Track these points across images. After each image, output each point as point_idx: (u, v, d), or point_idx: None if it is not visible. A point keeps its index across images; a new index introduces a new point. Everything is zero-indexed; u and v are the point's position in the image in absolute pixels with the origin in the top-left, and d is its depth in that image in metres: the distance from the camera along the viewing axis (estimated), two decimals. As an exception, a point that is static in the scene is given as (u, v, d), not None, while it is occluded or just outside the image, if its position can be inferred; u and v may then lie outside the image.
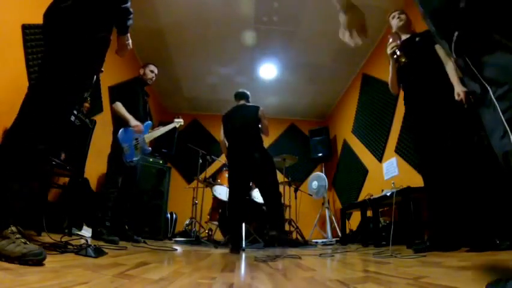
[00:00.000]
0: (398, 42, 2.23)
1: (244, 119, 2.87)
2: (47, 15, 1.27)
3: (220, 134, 2.93)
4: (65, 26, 1.23)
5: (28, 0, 2.27)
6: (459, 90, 1.90)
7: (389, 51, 2.21)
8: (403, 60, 2.15)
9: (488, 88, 0.63)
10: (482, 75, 0.64)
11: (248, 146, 2.73)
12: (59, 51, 1.22)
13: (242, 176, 2.70)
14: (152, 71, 3.01)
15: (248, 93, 3.17)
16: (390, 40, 2.22)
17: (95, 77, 1.39)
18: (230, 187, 2.77)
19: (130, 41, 1.59)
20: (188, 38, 4.20)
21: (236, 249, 2.45)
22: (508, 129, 0.59)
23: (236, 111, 2.97)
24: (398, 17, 2.35)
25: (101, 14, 1.31)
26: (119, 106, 2.66)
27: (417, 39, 2.23)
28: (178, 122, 3.46)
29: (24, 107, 1.17)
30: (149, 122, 2.83)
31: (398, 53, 2.15)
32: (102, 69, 1.48)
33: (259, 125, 2.90)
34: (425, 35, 2.18)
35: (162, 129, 3.16)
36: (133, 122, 2.72)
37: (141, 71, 2.99)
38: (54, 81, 1.19)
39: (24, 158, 1.08)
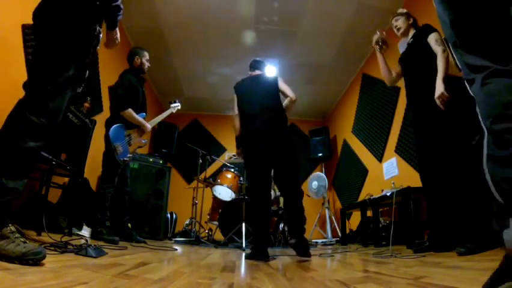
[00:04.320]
0: (384, 33, 2.44)
1: (265, 90, 2.31)
2: (35, 13, 1.26)
3: (234, 108, 2.38)
4: (53, 18, 1.22)
5: (28, 0, 2.27)
6: (438, 91, 1.84)
7: (373, 42, 2.45)
8: (384, 47, 2.43)
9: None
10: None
11: (271, 121, 2.17)
12: (49, 44, 1.20)
13: (263, 158, 2.09)
14: (148, 60, 2.90)
15: (266, 62, 2.69)
16: (378, 33, 2.44)
17: (87, 71, 1.37)
18: (250, 176, 2.16)
19: (118, 35, 1.59)
20: (188, 38, 4.20)
21: (263, 256, 1.83)
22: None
23: (253, 80, 2.43)
24: (395, 26, 2.33)
25: (89, 7, 1.29)
26: (131, 112, 2.61)
27: (410, 40, 2.23)
28: (175, 107, 3.35)
29: (17, 104, 1.15)
30: (143, 113, 2.79)
31: (380, 43, 2.41)
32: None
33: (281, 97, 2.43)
34: (417, 34, 2.20)
35: (158, 118, 3.09)
36: (148, 127, 2.76)
37: (137, 61, 2.81)
38: (45, 74, 1.17)
39: (13, 155, 1.07)
